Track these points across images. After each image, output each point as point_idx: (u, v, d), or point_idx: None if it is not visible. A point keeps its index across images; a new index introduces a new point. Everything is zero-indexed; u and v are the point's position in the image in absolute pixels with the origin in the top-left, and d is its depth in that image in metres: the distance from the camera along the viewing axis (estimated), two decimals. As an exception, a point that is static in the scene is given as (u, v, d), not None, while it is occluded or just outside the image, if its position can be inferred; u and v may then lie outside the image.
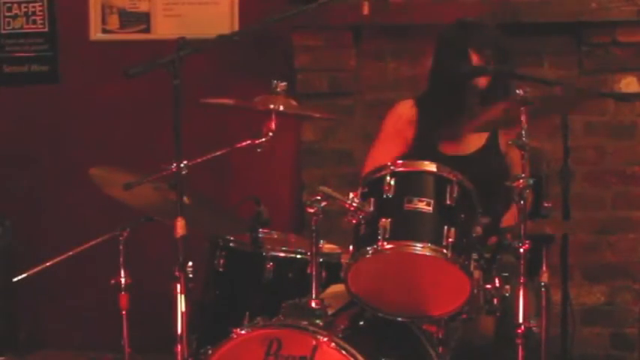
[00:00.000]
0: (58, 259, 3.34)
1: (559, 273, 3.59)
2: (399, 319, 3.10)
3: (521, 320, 3.04)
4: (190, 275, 2.95)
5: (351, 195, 3.02)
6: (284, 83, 3.21)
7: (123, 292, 3.28)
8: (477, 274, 3.03)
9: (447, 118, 3.67)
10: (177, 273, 2.90)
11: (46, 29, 5.02)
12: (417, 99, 3.80)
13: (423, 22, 4.26)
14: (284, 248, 3.37)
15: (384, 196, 3.01)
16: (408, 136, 3.76)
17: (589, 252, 4.62)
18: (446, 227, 2.96)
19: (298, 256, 3.34)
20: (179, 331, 2.91)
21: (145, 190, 3.21)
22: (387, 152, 3.71)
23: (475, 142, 3.71)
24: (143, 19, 4.93)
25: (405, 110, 3.79)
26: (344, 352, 2.87)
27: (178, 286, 2.90)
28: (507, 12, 4.48)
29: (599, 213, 4.63)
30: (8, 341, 4.87)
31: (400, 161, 3.15)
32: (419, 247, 2.95)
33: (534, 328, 3.21)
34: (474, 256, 3.04)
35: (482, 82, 3.64)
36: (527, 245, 3.05)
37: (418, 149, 3.69)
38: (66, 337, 4.98)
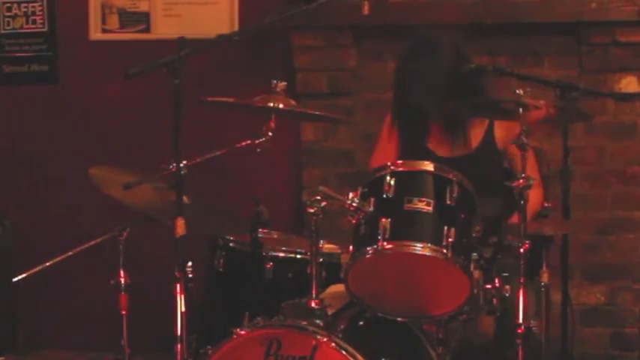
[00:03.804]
0: (58, 259, 3.34)
1: (559, 273, 3.60)
2: (399, 319, 3.10)
3: (521, 320, 3.04)
4: (190, 275, 2.95)
5: (351, 195, 3.02)
6: (284, 83, 3.21)
7: (123, 293, 3.28)
8: (476, 274, 3.03)
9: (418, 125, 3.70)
10: (177, 273, 2.90)
11: (46, 29, 5.02)
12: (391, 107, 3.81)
13: (423, 22, 4.26)
14: (284, 248, 3.37)
15: (384, 196, 3.01)
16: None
17: (589, 252, 4.62)
18: (446, 227, 2.96)
19: (298, 256, 3.34)
20: (179, 331, 2.91)
21: (145, 190, 3.21)
22: (389, 150, 3.71)
23: (469, 142, 3.70)
24: (143, 19, 4.93)
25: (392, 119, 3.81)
26: (344, 352, 2.88)
27: (178, 286, 2.90)
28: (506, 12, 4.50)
29: (599, 213, 4.63)
30: (8, 341, 4.87)
31: (400, 161, 3.15)
32: (419, 247, 2.95)
33: (534, 328, 3.22)
34: (474, 256, 3.04)
35: None
36: (527, 245, 3.05)
37: (409, 152, 3.69)
38: (66, 337, 4.98)
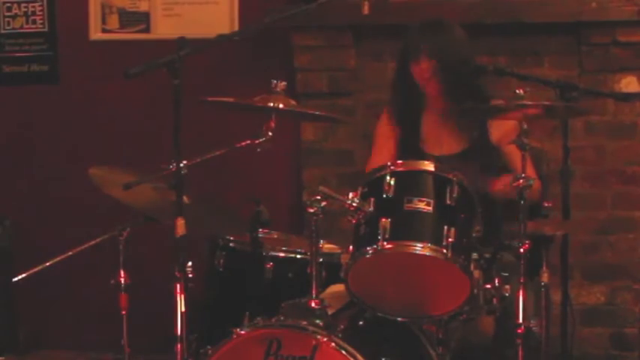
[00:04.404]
0: (58, 259, 3.34)
1: (559, 273, 3.59)
2: (399, 319, 3.10)
3: (521, 320, 3.04)
4: (190, 275, 2.95)
5: (351, 195, 3.02)
6: (284, 83, 3.21)
7: (123, 292, 3.28)
8: (476, 274, 3.03)
9: (410, 119, 3.70)
10: (177, 273, 2.90)
11: (46, 29, 5.02)
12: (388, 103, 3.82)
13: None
14: (284, 248, 3.37)
15: (384, 196, 3.01)
16: (394, 141, 3.77)
17: (589, 252, 4.62)
18: (446, 227, 2.96)
19: (298, 256, 3.34)
20: (179, 331, 2.91)
21: (145, 190, 3.21)
22: (385, 153, 3.72)
23: (462, 138, 3.71)
24: (143, 19, 4.93)
25: (384, 121, 3.81)
26: (344, 352, 2.88)
27: (178, 286, 2.90)
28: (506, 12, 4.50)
29: (599, 213, 4.63)
30: (8, 341, 4.86)
31: (400, 161, 3.15)
32: (419, 247, 2.95)
33: (534, 328, 3.22)
34: (474, 256, 3.04)
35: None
36: (527, 245, 3.05)
37: (402, 151, 3.69)
38: (66, 337, 4.98)
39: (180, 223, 2.88)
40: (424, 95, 3.70)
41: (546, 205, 3.48)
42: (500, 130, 3.64)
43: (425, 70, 3.61)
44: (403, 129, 3.73)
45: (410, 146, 3.69)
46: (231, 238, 3.42)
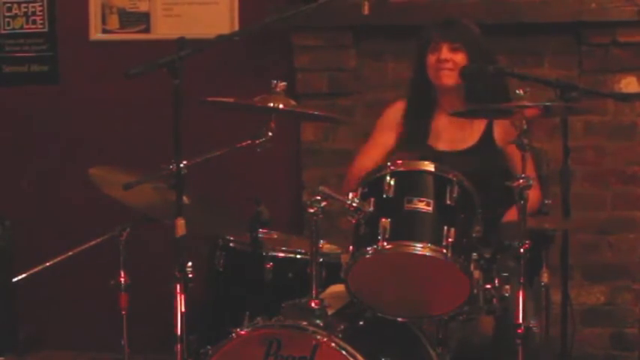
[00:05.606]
0: (58, 259, 3.34)
1: (559, 273, 3.59)
2: (399, 319, 3.10)
3: (521, 320, 3.04)
4: (190, 275, 2.95)
5: (351, 195, 3.02)
6: (284, 83, 3.21)
7: (123, 292, 3.28)
8: (476, 274, 3.03)
9: (426, 113, 3.70)
10: (177, 273, 2.90)
11: (46, 29, 5.02)
12: (404, 97, 3.83)
13: (423, 22, 4.25)
14: (284, 248, 3.38)
15: (384, 196, 3.01)
16: (399, 132, 3.77)
17: (589, 252, 4.62)
18: (446, 227, 2.96)
19: (298, 256, 3.34)
20: (179, 331, 2.91)
21: (145, 190, 3.21)
22: (378, 144, 3.72)
23: (468, 137, 3.71)
24: (143, 19, 4.93)
25: (396, 108, 3.81)
26: (344, 352, 2.88)
27: (178, 286, 2.90)
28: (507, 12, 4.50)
29: (599, 213, 4.63)
30: (8, 341, 4.86)
31: (400, 161, 3.15)
32: (419, 247, 2.95)
33: (534, 328, 3.22)
34: (474, 256, 3.04)
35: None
36: (527, 245, 3.05)
37: (407, 144, 3.70)
38: (66, 337, 4.98)
39: (180, 223, 2.89)
40: (437, 92, 3.71)
41: (547, 202, 3.48)
42: (502, 127, 3.64)
43: (445, 53, 3.62)
44: (413, 124, 3.73)
45: (417, 141, 3.69)
46: (231, 238, 3.42)
